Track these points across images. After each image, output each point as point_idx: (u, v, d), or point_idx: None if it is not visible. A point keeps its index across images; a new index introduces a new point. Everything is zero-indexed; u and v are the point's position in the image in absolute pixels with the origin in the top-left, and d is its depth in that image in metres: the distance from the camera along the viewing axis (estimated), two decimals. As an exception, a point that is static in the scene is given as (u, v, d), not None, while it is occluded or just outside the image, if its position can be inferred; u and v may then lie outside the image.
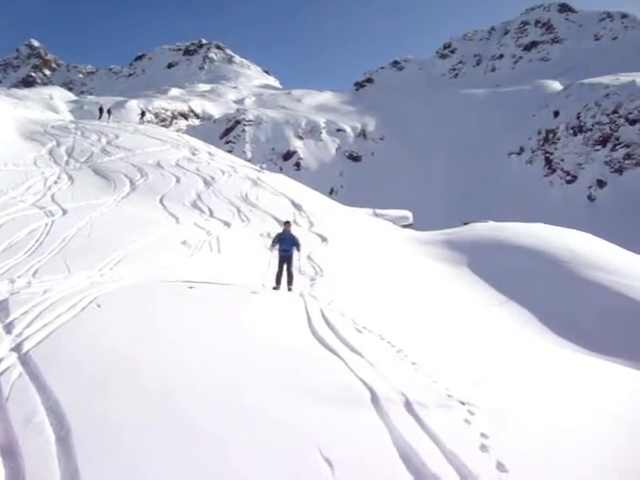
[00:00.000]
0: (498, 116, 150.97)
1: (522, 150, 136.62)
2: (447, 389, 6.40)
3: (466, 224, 32.36)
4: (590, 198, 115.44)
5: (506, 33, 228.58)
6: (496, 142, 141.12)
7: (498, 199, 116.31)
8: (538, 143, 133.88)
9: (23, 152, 30.70)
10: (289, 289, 13.94)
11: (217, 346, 7.21)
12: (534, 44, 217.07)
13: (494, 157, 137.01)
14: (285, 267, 14.32)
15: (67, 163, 29.78)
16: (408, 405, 5.79)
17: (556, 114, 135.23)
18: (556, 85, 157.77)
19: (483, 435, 5.32)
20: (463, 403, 6.04)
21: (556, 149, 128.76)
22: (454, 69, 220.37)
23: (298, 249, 14.60)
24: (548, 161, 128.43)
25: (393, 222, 33.39)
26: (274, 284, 14.02)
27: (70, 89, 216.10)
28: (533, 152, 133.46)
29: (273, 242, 14.76)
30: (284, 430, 4.98)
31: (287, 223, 15.18)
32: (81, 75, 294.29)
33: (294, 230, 15.56)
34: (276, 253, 14.69)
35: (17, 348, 6.42)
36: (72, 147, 33.74)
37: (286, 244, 14.40)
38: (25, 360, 6.03)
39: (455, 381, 6.78)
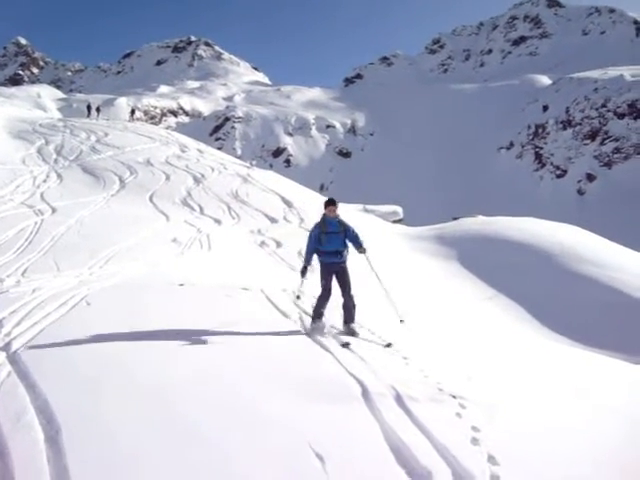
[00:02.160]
0: (488, 111, 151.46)
1: (512, 145, 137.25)
2: (438, 383, 6.38)
3: (456, 219, 32.40)
4: (580, 192, 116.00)
5: (495, 28, 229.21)
6: (486, 137, 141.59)
7: (488, 194, 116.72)
8: (528, 138, 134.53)
9: (11, 151, 30.58)
10: (349, 331, 8.49)
11: (208, 344, 7.19)
12: (523, 39, 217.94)
13: (484, 152, 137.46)
14: (339, 287, 8.65)
15: (56, 161, 29.67)
16: (399, 399, 5.78)
17: (545, 108, 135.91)
18: (545, 80, 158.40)
19: (474, 428, 5.30)
20: (454, 397, 6.03)
21: (546, 144, 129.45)
22: (443, 64, 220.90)
23: (359, 245, 8.77)
24: (538, 155, 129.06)
25: (383, 218, 33.42)
26: (312, 320, 8.52)
27: (58, 87, 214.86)
28: (523, 147, 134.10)
29: (310, 245, 8.70)
30: (276, 427, 4.96)
31: (331, 203, 8.73)
32: (69, 73, 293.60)
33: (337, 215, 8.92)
34: (309, 277, 9.00)
35: (6, 347, 6.42)
36: (61, 145, 33.64)
37: (334, 242, 8.57)
38: (14, 359, 6.02)
39: (447, 375, 6.77)
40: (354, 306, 8.64)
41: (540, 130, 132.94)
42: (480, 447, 4.92)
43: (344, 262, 8.72)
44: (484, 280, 19.45)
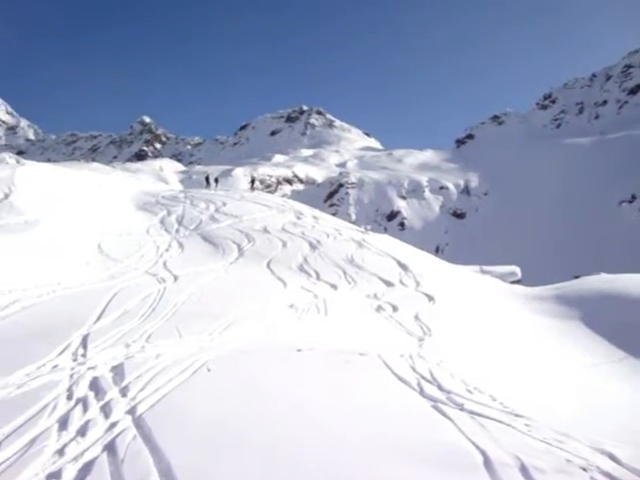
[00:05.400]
0: (605, 164, 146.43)
1: (634, 198, 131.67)
2: (565, 453, 6.10)
3: (577, 277, 31.25)
4: None
5: (609, 79, 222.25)
6: (605, 191, 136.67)
7: (611, 250, 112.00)
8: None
9: (137, 222, 32.07)
10: None
11: (325, 408, 7.21)
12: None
13: (604, 207, 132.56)
14: None
15: (177, 231, 30.83)
16: (524, 470, 5.55)
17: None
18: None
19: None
20: (584, 469, 5.73)
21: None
22: (556, 119, 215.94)
23: None
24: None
25: (501, 278, 32.64)
26: None
27: (179, 160, 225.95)
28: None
29: None
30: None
31: None
32: (189, 146, 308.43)
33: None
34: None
35: (132, 411, 6.69)
36: (182, 215, 34.97)
37: None
38: (139, 423, 6.27)
39: (573, 444, 6.46)
40: None
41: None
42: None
43: None
44: (611, 342, 18.55)
